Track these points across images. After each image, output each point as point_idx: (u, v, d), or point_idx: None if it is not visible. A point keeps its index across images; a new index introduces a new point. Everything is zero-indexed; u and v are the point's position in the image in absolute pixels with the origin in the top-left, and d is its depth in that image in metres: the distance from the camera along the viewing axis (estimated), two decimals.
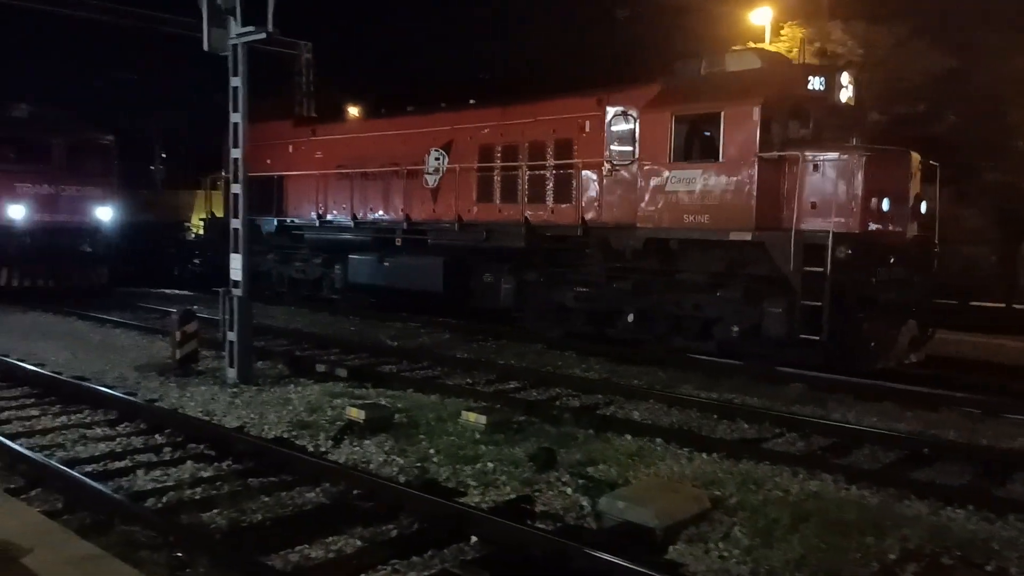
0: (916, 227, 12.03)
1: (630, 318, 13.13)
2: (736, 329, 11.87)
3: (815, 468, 7.54)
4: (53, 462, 7.13)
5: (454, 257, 15.65)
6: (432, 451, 7.76)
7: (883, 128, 14.15)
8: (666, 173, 12.33)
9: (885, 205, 11.10)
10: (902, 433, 8.85)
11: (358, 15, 33.81)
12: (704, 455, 7.93)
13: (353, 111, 27.62)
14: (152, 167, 30.10)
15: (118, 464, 7.46)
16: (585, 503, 6.60)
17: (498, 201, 15.02)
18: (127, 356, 12.57)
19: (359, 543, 5.83)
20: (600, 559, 5.19)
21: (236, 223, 11.24)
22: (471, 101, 16.64)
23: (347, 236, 17.71)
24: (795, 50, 18.81)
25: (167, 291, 22.60)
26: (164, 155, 32.93)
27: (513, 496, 6.72)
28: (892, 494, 6.96)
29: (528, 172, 14.43)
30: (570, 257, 14.11)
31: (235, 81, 10.89)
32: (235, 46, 10.74)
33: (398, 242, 16.69)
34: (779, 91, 11.77)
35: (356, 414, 8.50)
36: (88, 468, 7.22)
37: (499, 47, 30.90)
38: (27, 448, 7.54)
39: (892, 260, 11.34)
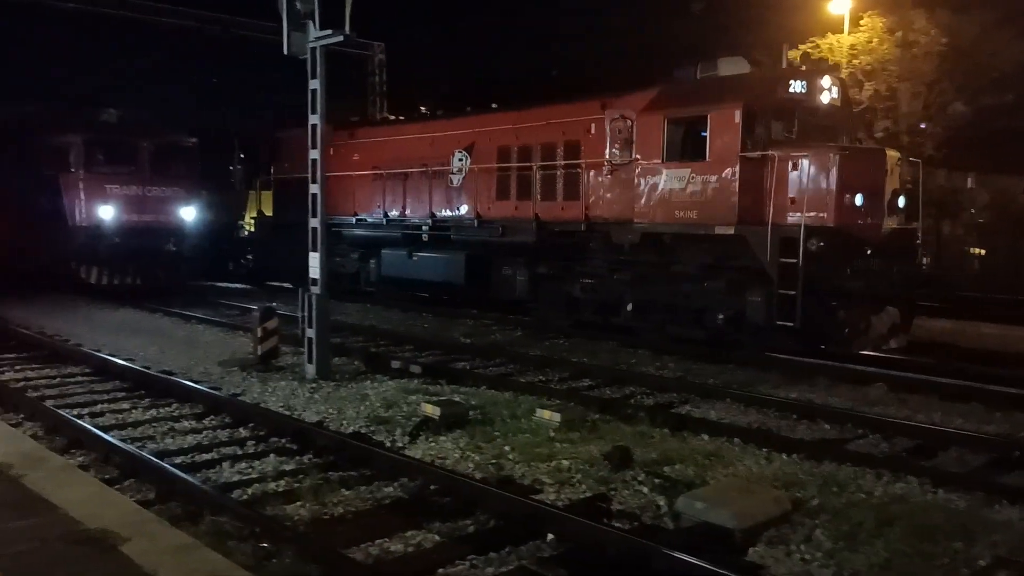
0: (895, 221, 12.52)
1: (629, 307, 13.96)
2: (721, 317, 12.68)
3: (900, 471, 7.33)
4: (145, 454, 7.40)
5: (475, 252, 16.61)
6: (507, 448, 7.81)
7: (969, 119, 13.85)
8: (660, 172, 13.13)
9: (858, 200, 11.74)
10: (991, 435, 8.55)
11: (430, 14, 34.11)
12: (784, 456, 7.80)
13: (423, 109, 27.97)
14: (231, 168, 30.92)
15: (205, 456, 7.72)
16: (662, 503, 6.56)
17: (513, 199, 15.86)
18: (211, 352, 12.96)
19: (437, 538, 5.91)
20: (679, 560, 5.16)
21: (314, 222, 11.49)
22: (493, 105, 17.58)
23: (380, 233, 18.76)
24: (875, 40, 18.31)
25: (221, 284, 23.46)
26: (243, 156, 33.81)
27: (589, 494, 6.73)
28: (981, 498, 6.73)
29: (539, 172, 15.30)
30: (576, 251, 14.87)
31: (313, 83, 11.13)
32: (313, 49, 10.98)
33: (425, 238, 17.63)
34: (760, 95, 12.49)
35: (431, 410, 8.61)
36: (177, 460, 7.48)
37: (574, 43, 30.80)
38: (120, 440, 7.85)
39: (869, 252, 11.97)
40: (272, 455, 7.73)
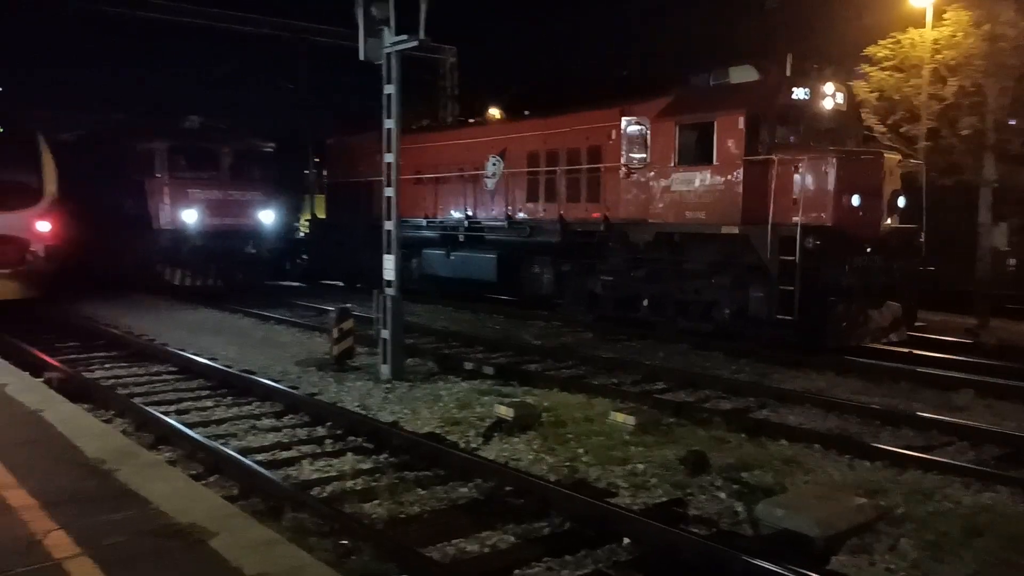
0: (895, 220, 13.14)
1: (645, 303, 14.88)
2: (727, 311, 13.50)
3: (988, 480, 7.07)
4: (229, 450, 7.62)
5: (506, 251, 17.60)
6: (581, 451, 7.79)
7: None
8: (672, 175, 14.01)
9: (856, 201, 12.34)
10: None
11: (501, 16, 34.27)
12: (867, 463, 7.60)
13: (494, 112, 28.13)
14: (307, 171, 31.59)
15: (285, 454, 7.90)
16: (740, 509, 6.46)
17: (541, 201, 16.90)
18: (288, 351, 13.26)
19: (512, 539, 5.94)
20: (759, 567, 5.07)
21: (389, 225, 11.66)
22: (525, 112, 18.72)
23: (421, 234, 19.68)
24: (959, 34, 17.64)
25: (283, 284, 24.02)
26: (317, 159, 34.52)
27: (664, 499, 6.67)
28: None
29: (564, 175, 16.28)
30: (597, 250, 15.71)
31: (388, 88, 11.29)
32: (389, 55, 11.14)
33: (461, 238, 18.59)
34: (763, 102, 13.20)
35: (504, 412, 8.64)
36: (259, 457, 7.68)
37: (643, 42, 30.56)
38: (205, 437, 8.10)
39: (868, 250, 12.53)
40: (349, 454, 7.87)
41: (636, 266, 14.90)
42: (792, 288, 12.09)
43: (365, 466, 7.56)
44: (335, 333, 12.11)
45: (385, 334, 11.34)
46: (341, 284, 23.27)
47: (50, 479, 5.39)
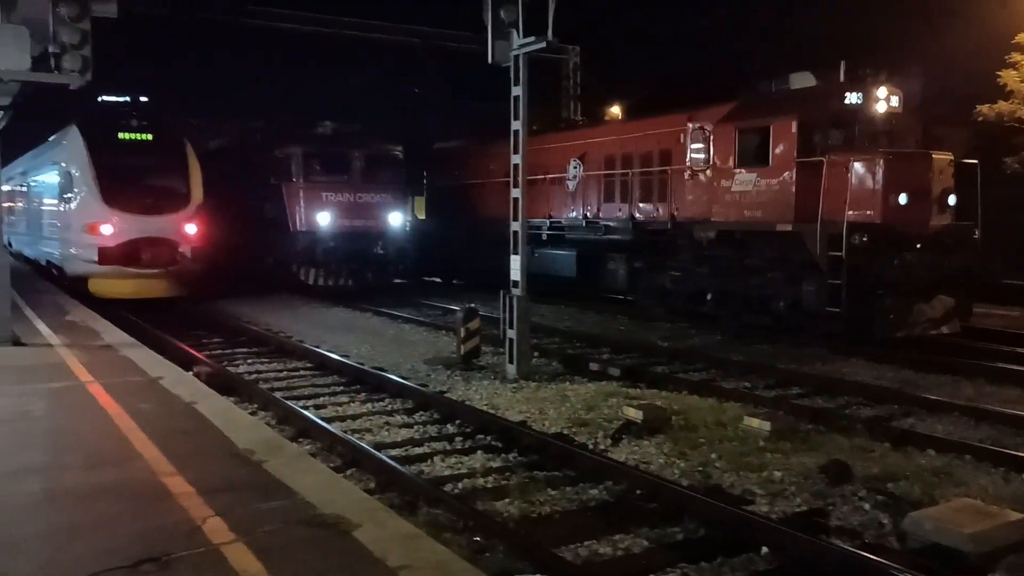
0: (947, 217, 13.39)
1: (709, 297, 15.64)
2: (782, 305, 14.12)
3: None
4: (365, 445, 7.85)
5: (584, 249, 18.54)
6: (714, 456, 7.62)
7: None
8: (732, 176, 14.74)
9: (903, 199, 12.73)
10: None
11: (625, 14, 33.99)
12: None
13: (615, 111, 27.90)
14: (424, 175, 32.25)
15: (417, 450, 8.08)
16: (885, 521, 6.17)
17: (617, 201, 17.83)
18: (417, 350, 13.57)
19: (645, 543, 5.86)
20: None
21: (516, 226, 11.76)
22: (606, 118, 20.56)
23: (499, 231, 19.63)
24: None
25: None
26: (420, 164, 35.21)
27: (804, 508, 6.43)
28: None
29: (637, 177, 17.21)
30: (666, 247, 16.61)
31: (516, 90, 11.38)
32: (516, 56, 11.23)
33: (544, 237, 19.56)
34: (815, 107, 13.88)
35: (633, 414, 8.54)
36: (393, 452, 7.88)
37: (767, 39, 29.66)
38: (342, 431, 8.38)
39: (918, 246, 12.95)
40: (479, 452, 7.97)
41: (700, 262, 15.72)
42: (840, 282, 12.66)
43: (495, 464, 7.64)
44: (462, 332, 12.29)
45: (511, 334, 11.43)
46: (439, 280, 24.86)
47: (206, 468, 5.71)
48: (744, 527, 5.85)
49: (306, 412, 9.10)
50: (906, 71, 15.80)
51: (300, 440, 8.25)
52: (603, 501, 6.71)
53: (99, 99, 18.90)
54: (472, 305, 13.09)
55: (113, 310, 15.30)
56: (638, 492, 6.72)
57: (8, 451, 6.12)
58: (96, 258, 16.83)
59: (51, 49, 11.20)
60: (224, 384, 10.23)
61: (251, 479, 5.51)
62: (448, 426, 9.00)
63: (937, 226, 13.22)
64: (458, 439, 8.49)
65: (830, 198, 12.95)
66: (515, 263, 11.75)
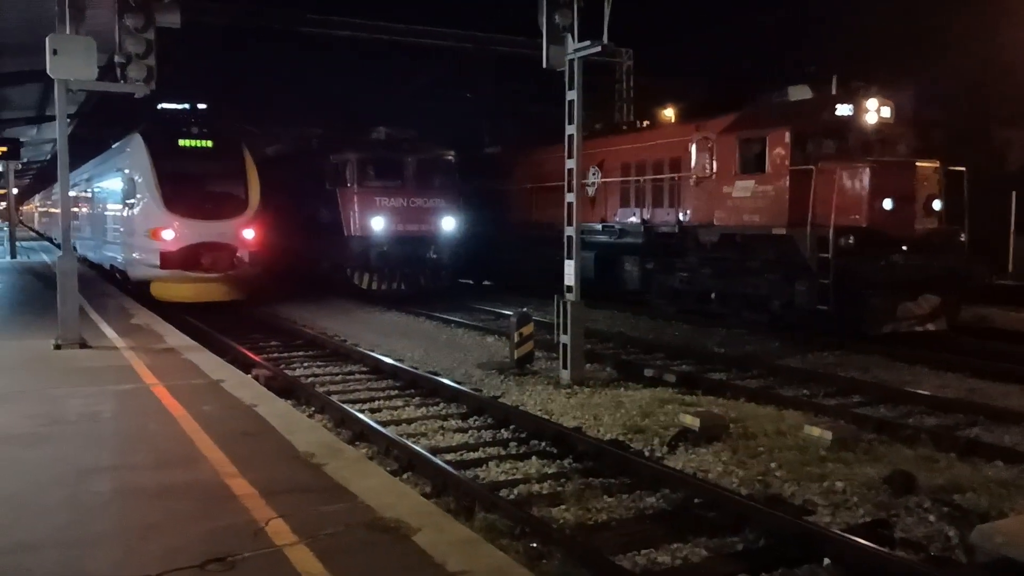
0: (933, 221, 14.23)
1: (713, 296, 16.63)
2: (778, 303, 15.08)
3: None
4: (421, 449, 7.91)
5: (601, 252, 19.31)
6: (773, 465, 7.49)
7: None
8: (733, 182, 15.64)
9: (888, 204, 13.66)
10: None
11: (678, 16, 33.72)
12: None
13: (668, 113, 27.67)
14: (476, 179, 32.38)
15: (472, 455, 8.12)
16: (952, 534, 6.01)
17: (631, 206, 18.88)
18: (470, 354, 13.61)
19: (704, 553, 5.81)
20: None
21: (570, 231, 11.75)
22: (623, 127, 20.80)
23: (531, 235, 21.70)
24: None
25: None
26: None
27: (868, 519, 6.29)
28: None
29: (649, 183, 18.25)
30: (675, 249, 17.48)
31: (571, 95, 11.38)
32: (571, 61, 11.22)
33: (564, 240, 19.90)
34: (808, 118, 14.84)
35: (690, 421, 8.45)
36: (448, 456, 7.93)
37: (826, 41, 29.14)
38: (397, 435, 8.45)
39: (904, 248, 13.68)
40: (534, 457, 7.97)
41: (705, 264, 16.70)
42: (828, 282, 13.52)
43: (550, 470, 7.64)
44: (515, 337, 12.30)
45: (565, 339, 11.40)
46: (471, 282, 25.32)
47: (268, 470, 5.81)
48: (806, 538, 5.75)
49: (362, 416, 9.19)
50: (899, 84, 16.96)
51: (357, 443, 8.34)
52: (661, 509, 6.66)
53: (159, 106, 19.37)
54: (525, 310, 13.09)
55: (175, 313, 15.67)
56: (696, 501, 6.65)
57: (80, 451, 6.30)
58: (158, 262, 17.25)
59: (117, 59, 11.52)
60: (283, 387, 10.41)
61: (312, 482, 5.58)
62: (502, 431, 9.02)
63: (922, 230, 14.06)
64: (512, 444, 8.50)
65: (820, 203, 13.87)
66: (569, 268, 11.73)
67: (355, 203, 20.62)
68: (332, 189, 21.23)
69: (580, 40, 11.09)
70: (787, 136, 14.58)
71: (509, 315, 12.93)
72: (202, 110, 19.63)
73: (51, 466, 5.91)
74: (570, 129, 11.52)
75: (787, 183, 14.52)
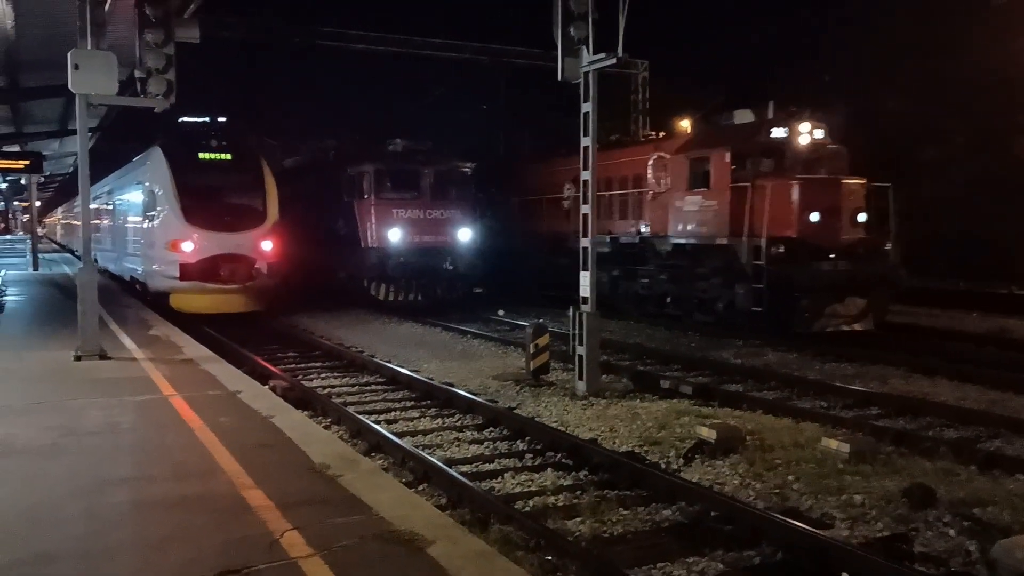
0: (859, 232, 15.70)
1: (668, 300, 18.33)
2: (721, 306, 16.78)
3: None
4: (436, 461, 7.91)
5: (574, 260, 19.19)
6: (791, 477, 7.45)
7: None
8: (684, 198, 17.41)
9: (815, 217, 15.20)
10: None
11: (693, 27, 33.75)
12: None
13: (684, 124, 27.65)
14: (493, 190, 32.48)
15: (488, 467, 8.11)
16: (972, 548, 5.94)
17: (600, 219, 19.24)
18: (486, 365, 13.61)
19: (720, 567, 5.78)
20: None
21: (585, 242, 11.75)
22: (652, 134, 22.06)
23: (515, 245, 24.09)
24: None
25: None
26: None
27: (886, 533, 6.24)
28: None
29: (615, 198, 19.97)
30: (637, 258, 19.25)
31: (586, 107, 11.39)
32: (586, 73, 11.24)
33: (546, 249, 22.45)
34: (746, 140, 16.48)
35: (707, 433, 8.41)
36: (463, 468, 7.92)
37: (844, 48, 29.05)
38: (413, 446, 8.46)
39: (832, 256, 15.27)
40: (550, 469, 7.96)
41: (662, 271, 18.42)
42: (761, 286, 15.12)
43: (566, 482, 7.62)
44: (531, 348, 12.29)
45: (581, 350, 11.39)
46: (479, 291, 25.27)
47: (284, 481, 5.83)
48: (823, 552, 5.70)
49: (378, 427, 9.21)
50: (833, 107, 18.89)
51: (372, 454, 8.36)
52: (677, 522, 6.63)
53: (180, 120, 19.55)
54: (541, 321, 13.08)
55: (194, 324, 15.78)
56: (713, 514, 6.61)
57: (99, 462, 6.35)
58: (177, 274, 17.39)
59: (137, 73, 11.66)
60: (299, 398, 10.46)
61: (327, 493, 5.60)
62: (518, 443, 9.01)
63: (848, 239, 15.58)
64: (528, 456, 8.49)
65: (755, 216, 15.49)
66: (584, 279, 11.73)
67: (372, 214, 20.71)
68: (349, 201, 21.34)
69: (595, 52, 11.11)
70: (727, 156, 16.29)
71: (525, 326, 12.92)
72: (221, 123, 19.80)
73: (70, 477, 5.96)
74: (585, 141, 11.53)
75: (728, 198, 16.14)
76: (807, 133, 16.37)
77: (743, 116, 17.39)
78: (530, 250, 23.59)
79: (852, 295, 15.35)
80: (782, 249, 15.18)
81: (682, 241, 17.52)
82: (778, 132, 16.36)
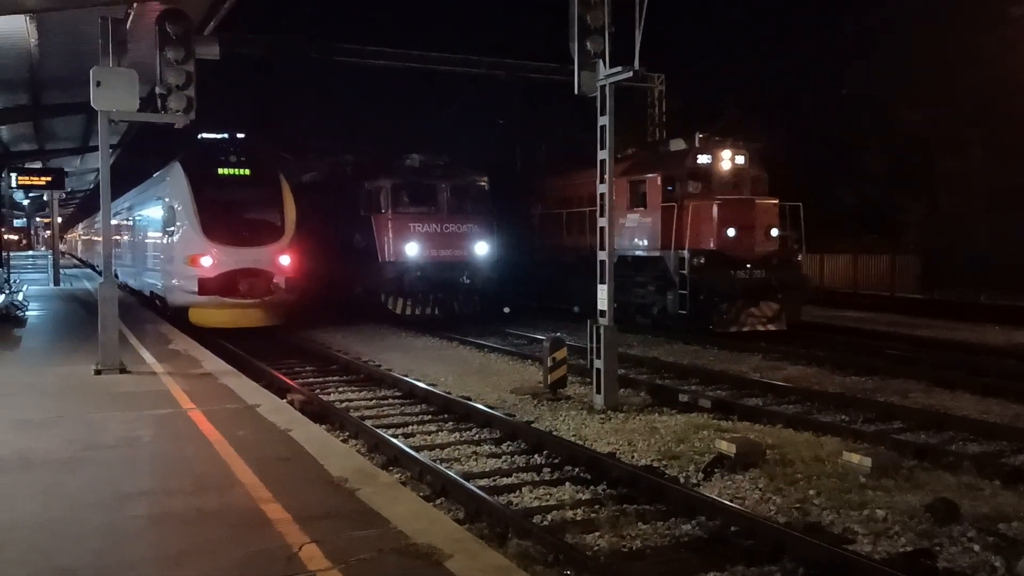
0: (772, 245, 18.28)
1: (615, 305, 19.93)
2: (656, 310, 19.25)
3: None
4: (454, 475, 7.89)
5: (545, 271, 23.77)
6: (812, 492, 7.37)
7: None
8: (626, 215, 19.58)
9: (731, 232, 17.83)
10: None
11: (710, 41, 33.77)
12: None
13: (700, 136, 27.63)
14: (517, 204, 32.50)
15: (505, 480, 8.08)
16: (998, 564, 5.85)
17: (563, 234, 23.04)
18: (503, 379, 13.58)
19: None
20: None
21: (603, 255, 11.72)
22: (560, 168, 24.48)
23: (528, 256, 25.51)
24: None
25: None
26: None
27: (909, 548, 6.15)
28: None
29: (572, 216, 22.17)
30: (591, 269, 20.14)
31: (603, 120, 11.39)
32: (603, 87, 11.24)
33: (516, 260, 24.02)
34: (676, 165, 19.06)
35: (726, 447, 8.34)
36: (481, 482, 7.90)
37: (864, 62, 28.98)
38: (430, 460, 8.44)
39: (748, 265, 17.76)
40: (568, 483, 7.92)
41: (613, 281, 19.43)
42: (685, 292, 17.63)
43: (584, 497, 7.58)
44: (548, 362, 12.24)
45: (599, 364, 11.34)
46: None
47: (302, 495, 5.83)
48: (846, 568, 5.63)
49: (395, 440, 9.21)
50: (753, 135, 21.61)
51: (390, 468, 8.34)
52: (696, 537, 6.57)
53: (199, 136, 19.73)
54: (558, 334, 13.04)
55: (212, 339, 15.86)
56: (733, 529, 6.55)
57: (119, 476, 6.39)
58: (196, 289, 17.50)
59: (157, 90, 11.79)
60: (317, 412, 10.47)
61: (345, 507, 5.60)
62: (536, 457, 8.97)
63: (762, 251, 18.07)
64: (546, 470, 8.45)
65: (681, 232, 18.00)
66: (602, 292, 11.70)
67: (389, 229, 20.77)
68: (366, 215, 21.42)
69: (611, 66, 11.11)
70: (659, 179, 18.85)
71: (542, 340, 12.90)
72: (240, 139, 19.96)
73: (90, 491, 5.99)
74: (602, 154, 11.51)
75: (660, 215, 18.62)
76: (728, 159, 18.81)
77: (676, 144, 19.88)
78: (536, 262, 24.70)
79: (766, 299, 17.79)
80: (703, 260, 17.67)
81: (625, 253, 19.37)
82: (703, 159, 18.76)
